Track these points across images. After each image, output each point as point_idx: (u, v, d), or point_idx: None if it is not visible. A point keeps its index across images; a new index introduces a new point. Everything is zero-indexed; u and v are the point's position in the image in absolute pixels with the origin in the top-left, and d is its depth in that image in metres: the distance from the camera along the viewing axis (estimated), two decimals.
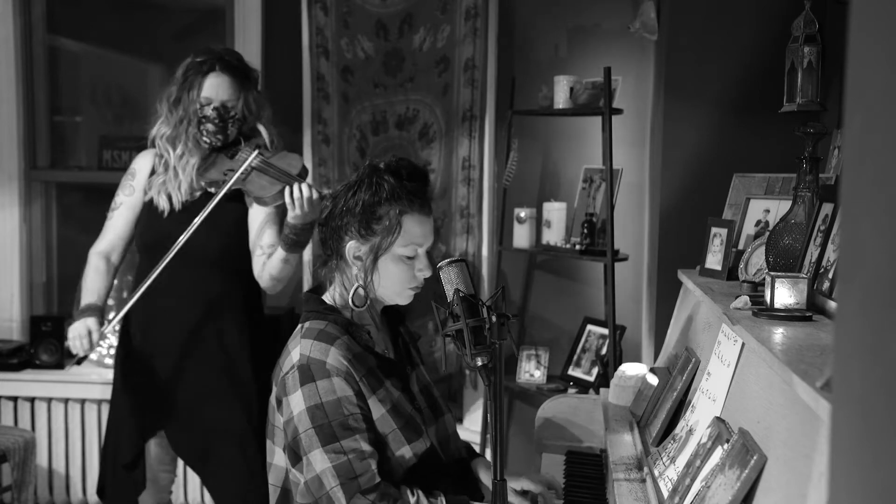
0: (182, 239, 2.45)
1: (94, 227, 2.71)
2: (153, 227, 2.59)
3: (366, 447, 1.65)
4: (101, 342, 3.64)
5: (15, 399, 3.58)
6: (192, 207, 2.54)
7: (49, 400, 3.58)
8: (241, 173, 2.46)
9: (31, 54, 3.81)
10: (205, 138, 2.55)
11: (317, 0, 3.52)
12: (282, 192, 2.43)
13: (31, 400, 3.59)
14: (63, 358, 3.61)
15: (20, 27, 3.73)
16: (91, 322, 2.52)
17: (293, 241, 2.46)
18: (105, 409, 3.53)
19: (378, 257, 1.75)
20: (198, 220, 2.44)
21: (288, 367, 1.70)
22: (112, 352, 3.62)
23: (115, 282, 3.61)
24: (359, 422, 1.66)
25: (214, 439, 2.60)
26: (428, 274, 1.78)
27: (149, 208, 2.61)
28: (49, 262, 3.94)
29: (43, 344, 3.59)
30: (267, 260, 2.56)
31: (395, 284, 1.78)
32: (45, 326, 3.61)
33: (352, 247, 1.76)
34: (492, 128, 3.36)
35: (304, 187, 2.40)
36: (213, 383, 2.60)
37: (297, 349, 1.71)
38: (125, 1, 4.10)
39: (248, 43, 3.55)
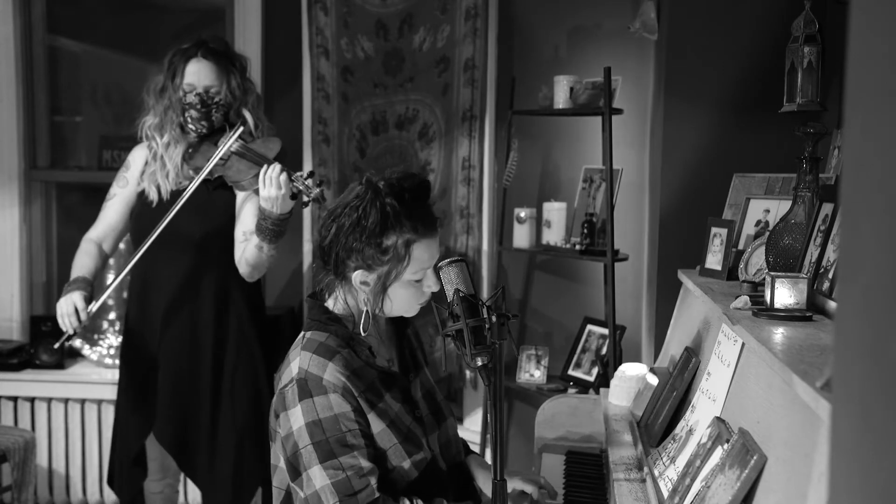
0: (164, 220, 2.44)
1: None
2: (143, 216, 2.60)
3: (365, 463, 1.64)
4: (101, 342, 3.66)
5: (15, 399, 3.58)
6: (180, 196, 2.55)
7: (49, 400, 3.58)
8: (222, 157, 2.47)
9: (31, 54, 3.81)
10: (190, 125, 2.57)
11: (317, 0, 3.52)
12: (258, 175, 2.43)
13: (31, 400, 3.59)
14: (63, 358, 3.61)
15: (20, 27, 3.73)
16: (77, 297, 2.47)
17: (265, 228, 2.44)
18: (105, 408, 3.54)
19: (387, 287, 1.71)
20: (178, 204, 2.45)
21: (287, 381, 1.68)
22: (112, 351, 3.63)
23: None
24: (357, 438, 1.64)
25: (203, 433, 2.62)
26: (436, 289, 1.73)
27: (140, 199, 2.64)
28: (49, 262, 3.94)
29: (43, 344, 3.59)
30: (246, 242, 2.56)
31: (404, 305, 1.75)
32: (45, 326, 3.60)
33: (358, 275, 1.70)
34: (492, 128, 3.35)
35: (276, 166, 2.39)
36: (206, 378, 2.61)
37: (297, 361, 1.68)
38: (125, 1, 4.10)
39: (249, 43, 3.55)
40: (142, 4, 4.09)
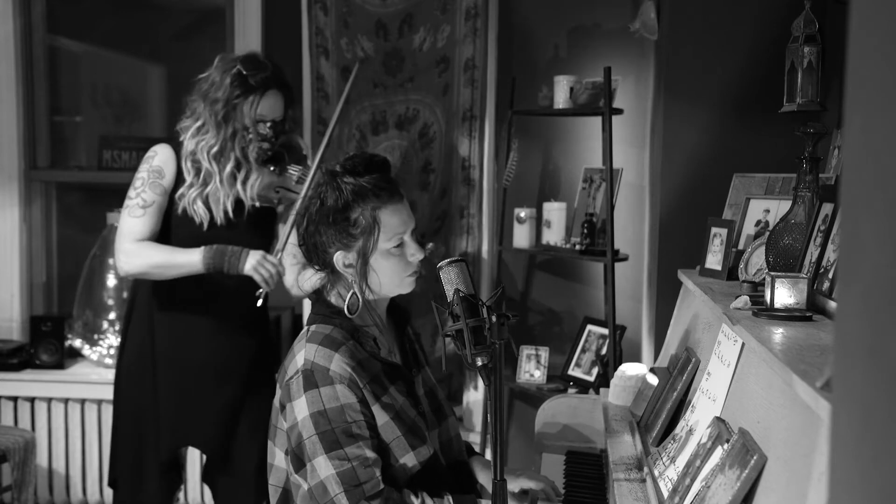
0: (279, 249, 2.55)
1: (94, 227, 2.69)
2: (195, 237, 2.53)
3: (370, 454, 1.65)
4: (101, 342, 3.66)
5: (15, 399, 3.58)
6: (231, 217, 2.53)
7: (49, 400, 3.58)
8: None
9: (31, 54, 3.80)
10: (254, 154, 2.54)
11: (317, 0, 3.52)
12: None
13: (31, 400, 3.58)
14: (63, 358, 3.60)
15: (20, 27, 3.73)
16: (263, 254, 2.49)
17: None
18: (105, 408, 3.54)
19: (368, 259, 1.74)
20: (283, 238, 2.56)
21: (292, 372, 1.70)
22: (112, 351, 3.62)
23: (116, 282, 3.64)
24: (362, 429, 1.66)
25: (239, 447, 2.64)
26: (420, 256, 1.78)
27: (184, 219, 2.53)
28: (49, 262, 3.94)
29: (43, 344, 3.59)
30: (303, 270, 2.57)
31: (392, 278, 1.77)
32: (45, 326, 3.60)
33: (339, 257, 1.75)
34: (492, 128, 3.36)
35: None
36: (245, 392, 2.65)
37: (302, 353, 1.70)
38: (125, 1, 4.10)
39: (248, 43, 3.54)
40: (142, 4, 4.09)
